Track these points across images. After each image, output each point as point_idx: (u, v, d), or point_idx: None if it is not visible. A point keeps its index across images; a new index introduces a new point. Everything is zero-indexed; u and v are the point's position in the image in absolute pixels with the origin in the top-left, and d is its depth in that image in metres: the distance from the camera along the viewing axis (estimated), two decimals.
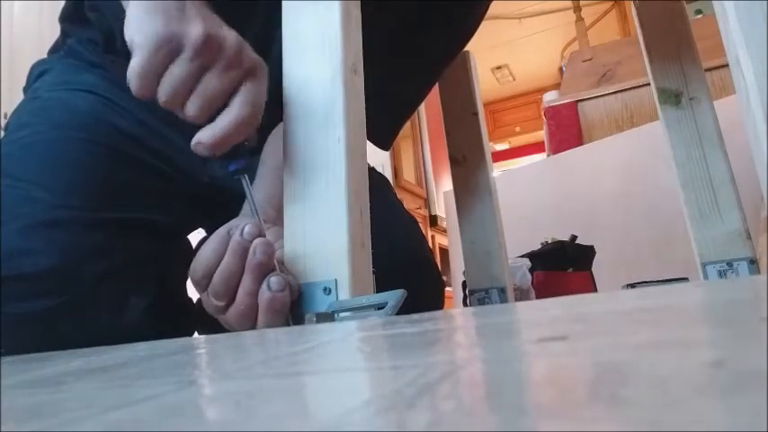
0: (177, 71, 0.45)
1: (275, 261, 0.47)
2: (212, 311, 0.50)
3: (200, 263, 0.48)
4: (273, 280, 0.45)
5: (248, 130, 0.48)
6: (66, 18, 0.77)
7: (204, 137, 0.46)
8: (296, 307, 0.48)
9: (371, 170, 0.84)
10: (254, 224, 0.47)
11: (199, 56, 0.45)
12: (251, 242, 0.46)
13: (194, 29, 0.44)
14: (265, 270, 0.46)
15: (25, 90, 0.76)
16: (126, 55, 0.46)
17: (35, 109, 0.69)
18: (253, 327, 0.48)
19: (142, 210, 0.64)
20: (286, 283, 0.46)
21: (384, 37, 0.75)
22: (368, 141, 0.78)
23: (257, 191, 0.58)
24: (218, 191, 0.69)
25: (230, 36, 0.46)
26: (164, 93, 0.45)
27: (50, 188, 0.58)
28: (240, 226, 0.47)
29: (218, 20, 0.48)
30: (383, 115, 0.78)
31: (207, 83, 0.45)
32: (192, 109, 0.46)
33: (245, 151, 0.50)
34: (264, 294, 0.46)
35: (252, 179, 0.59)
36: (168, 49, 0.44)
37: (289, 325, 0.47)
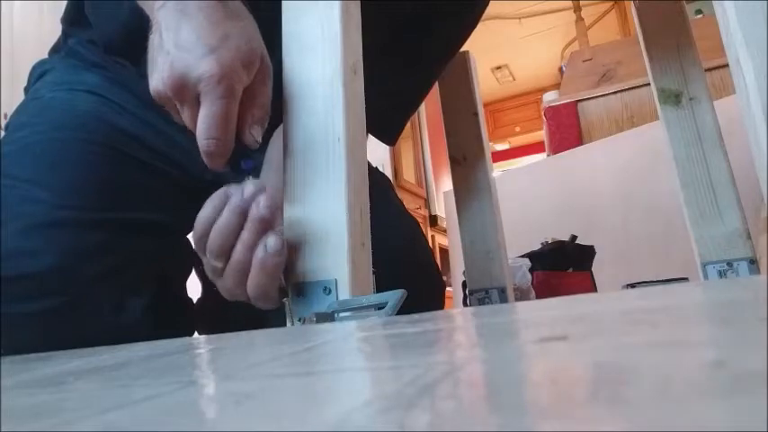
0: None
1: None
2: (211, 275, 0.50)
3: (200, 220, 0.49)
4: (271, 241, 0.46)
5: (221, 148, 0.48)
6: (67, 19, 0.77)
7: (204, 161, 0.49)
8: (289, 273, 0.48)
9: (374, 170, 0.85)
10: (255, 185, 0.48)
11: (164, 105, 0.49)
12: (251, 202, 0.47)
13: (151, 84, 0.48)
14: (266, 226, 0.47)
15: (26, 90, 0.76)
16: (124, 56, 0.48)
17: (36, 109, 0.69)
18: (245, 294, 0.48)
19: (143, 209, 0.64)
20: (283, 245, 0.46)
21: (387, 35, 0.75)
22: (373, 138, 0.79)
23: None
24: (218, 186, 0.69)
25: (159, 79, 0.47)
26: None
27: (51, 188, 0.58)
28: (240, 187, 0.48)
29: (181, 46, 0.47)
30: (389, 111, 0.78)
31: (184, 116, 0.49)
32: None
33: (252, 152, 0.50)
34: (259, 253, 0.46)
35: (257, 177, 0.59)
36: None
37: (282, 287, 0.47)
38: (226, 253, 0.48)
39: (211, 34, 0.47)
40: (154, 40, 0.49)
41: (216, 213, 0.48)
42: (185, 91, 0.47)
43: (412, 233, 0.79)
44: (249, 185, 0.47)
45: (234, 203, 0.47)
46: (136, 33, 0.51)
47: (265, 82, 0.50)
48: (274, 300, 0.48)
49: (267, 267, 0.46)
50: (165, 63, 0.47)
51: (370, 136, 0.79)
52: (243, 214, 0.47)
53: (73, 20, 0.76)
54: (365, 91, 0.54)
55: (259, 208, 0.46)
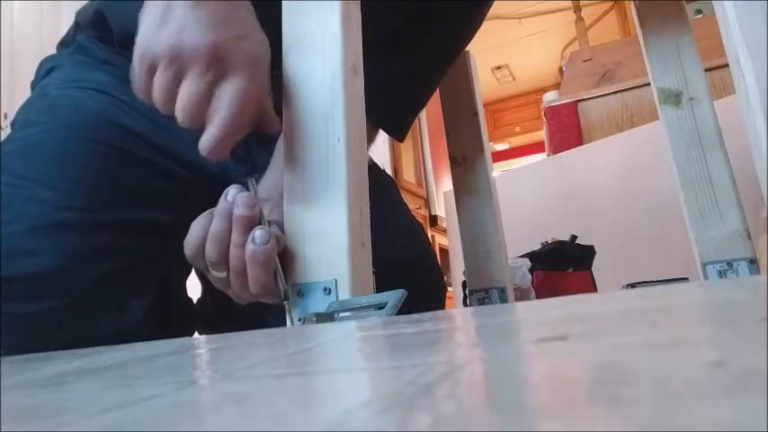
0: (155, 82, 0.48)
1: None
2: (221, 286, 0.52)
3: (189, 241, 0.51)
4: (257, 233, 0.47)
5: (238, 129, 0.48)
6: (82, 13, 0.76)
7: (201, 145, 0.48)
8: (289, 273, 0.49)
9: (381, 171, 0.85)
10: (238, 187, 0.49)
11: (169, 66, 0.47)
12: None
13: (161, 40, 0.47)
14: (250, 222, 0.48)
15: (33, 85, 0.76)
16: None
17: (44, 107, 0.68)
18: (252, 295, 0.49)
19: (148, 210, 0.64)
20: (269, 236, 0.47)
21: (389, 35, 0.75)
22: (383, 133, 0.80)
23: (267, 178, 0.59)
24: (226, 183, 0.69)
25: (198, 39, 0.46)
26: (155, 102, 0.49)
27: (56, 189, 0.58)
28: (225, 191, 0.49)
29: (201, 16, 0.47)
30: (398, 107, 0.78)
31: (183, 90, 0.47)
32: (178, 116, 0.48)
33: (250, 154, 0.51)
34: (248, 247, 0.47)
35: (261, 174, 0.60)
36: (148, 64, 0.48)
37: (276, 277, 0.48)
38: (224, 259, 0.49)
39: (238, 21, 0.48)
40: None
41: (203, 231, 0.50)
42: (187, 63, 0.47)
43: (415, 233, 0.79)
44: (231, 189, 0.49)
45: (219, 209, 0.49)
46: None
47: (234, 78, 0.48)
48: (275, 293, 0.49)
49: (258, 259, 0.47)
50: (168, 26, 0.47)
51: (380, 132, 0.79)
52: (230, 217, 0.48)
53: (86, 14, 0.75)
54: (373, 87, 0.54)
55: (238, 208, 0.48)
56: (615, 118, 2.02)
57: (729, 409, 0.11)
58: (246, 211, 0.48)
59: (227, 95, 0.47)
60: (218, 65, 0.47)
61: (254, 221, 0.48)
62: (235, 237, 0.48)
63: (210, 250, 0.49)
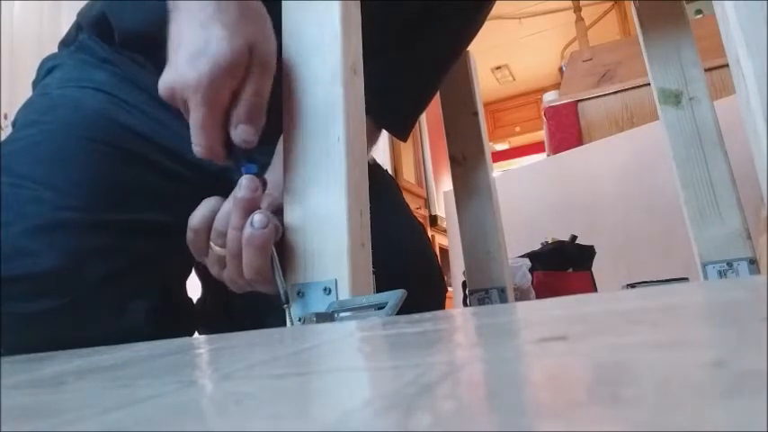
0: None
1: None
2: (216, 271, 0.53)
3: (194, 217, 0.52)
4: (256, 218, 0.48)
5: (208, 152, 0.50)
6: (84, 13, 0.76)
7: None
8: (279, 248, 0.50)
9: (384, 170, 0.85)
10: (250, 178, 0.50)
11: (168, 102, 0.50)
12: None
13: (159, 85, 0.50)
14: (250, 206, 0.48)
15: (34, 84, 0.76)
16: (140, 50, 0.49)
17: (44, 106, 0.68)
18: (247, 281, 0.50)
19: (149, 210, 0.64)
20: (268, 220, 0.48)
21: (390, 34, 0.75)
22: (383, 133, 0.80)
23: (267, 178, 0.59)
24: (228, 182, 0.69)
25: (164, 80, 0.49)
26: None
27: (56, 189, 0.58)
28: (239, 183, 0.49)
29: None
30: (400, 107, 0.79)
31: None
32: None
33: (251, 155, 0.51)
34: (246, 230, 0.48)
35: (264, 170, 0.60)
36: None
37: (273, 264, 0.49)
38: (224, 239, 0.50)
39: (194, 40, 0.48)
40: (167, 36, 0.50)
41: (210, 212, 0.51)
42: (175, 99, 0.49)
43: (416, 233, 0.79)
44: (245, 179, 0.50)
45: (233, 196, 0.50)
46: (157, 26, 0.51)
47: (257, 78, 0.49)
48: (270, 281, 0.49)
49: (255, 242, 0.47)
50: (166, 68, 0.49)
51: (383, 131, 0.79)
52: None
53: (89, 14, 0.75)
54: (375, 87, 0.54)
55: (240, 190, 0.48)
56: (615, 118, 2.02)
57: (729, 409, 0.11)
58: (248, 194, 0.48)
59: (191, 130, 0.50)
60: (177, 102, 0.50)
61: (254, 205, 0.49)
62: (234, 219, 0.49)
63: (215, 229, 0.51)
